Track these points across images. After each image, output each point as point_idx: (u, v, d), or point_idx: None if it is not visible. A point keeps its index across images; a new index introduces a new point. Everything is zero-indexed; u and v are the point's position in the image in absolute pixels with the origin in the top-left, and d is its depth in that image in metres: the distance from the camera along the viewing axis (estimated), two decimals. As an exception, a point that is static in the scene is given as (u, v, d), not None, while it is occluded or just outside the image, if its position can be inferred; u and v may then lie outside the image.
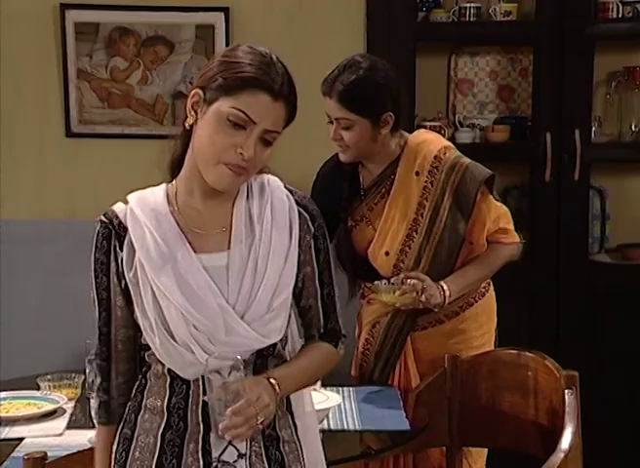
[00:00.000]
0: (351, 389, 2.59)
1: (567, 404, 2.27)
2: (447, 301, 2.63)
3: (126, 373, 1.77)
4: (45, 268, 3.56)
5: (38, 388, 2.52)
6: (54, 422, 2.35)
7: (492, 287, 2.80)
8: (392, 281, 2.60)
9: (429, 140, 2.70)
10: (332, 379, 2.65)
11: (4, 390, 2.52)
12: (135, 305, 1.72)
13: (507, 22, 3.52)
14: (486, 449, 2.78)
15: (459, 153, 2.67)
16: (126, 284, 1.72)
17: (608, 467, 3.42)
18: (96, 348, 1.77)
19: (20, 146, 3.54)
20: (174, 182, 1.77)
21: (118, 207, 1.76)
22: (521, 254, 3.51)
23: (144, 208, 1.73)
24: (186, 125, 1.70)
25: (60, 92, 3.51)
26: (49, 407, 2.41)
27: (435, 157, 2.65)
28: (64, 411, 2.42)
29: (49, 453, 1.89)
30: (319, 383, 2.52)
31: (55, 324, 3.55)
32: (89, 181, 3.56)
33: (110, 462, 1.75)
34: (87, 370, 2.47)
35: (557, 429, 2.26)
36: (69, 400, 2.48)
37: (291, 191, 1.81)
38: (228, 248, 1.72)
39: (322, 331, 1.84)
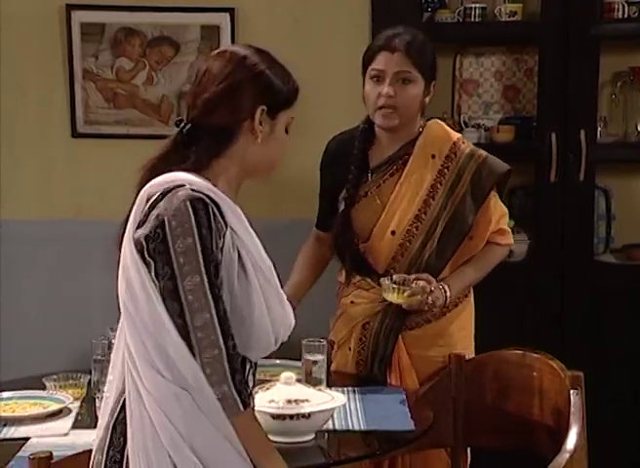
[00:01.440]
0: (356, 389, 2.59)
1: (572, 404, 2.28)
2: (447, 302, 2.64)
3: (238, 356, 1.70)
4: (50, 268, 3.56)
5: (44, 388, 2.52)
6: (59, 422, 2.35)
7: (472, 289, 2.79)
8: (395, 279, 2.60)
9: (448, 129, 2.75)
10: (337, 380, 2.66)
11: (10, 390, 2.52)
12: (227, 290, 1.66)
13: (512, 23, 3.52)
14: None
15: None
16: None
17: (613, 468, 3.42)
18: (211, 342, 1.63)
19: (25, 146, 3.54)
20: (204, 177, 1.73)
21: (199, 185, 1.68)
22: (526, 254, 3.53)
23: (217, 192, 1.70)
24: (259, 140, 1.75)
25: (66, 92, 3.51)
26: (54, 406, 2.41)
27: (454, 143, 2.68)
28: (70, 411, 2.42)
29: (54, 453, 1.90)
30: (324, 383, 2.53)
31: (60, 324, 3.55)
32: (94, 182, 3.57)
33: None
34: (92, 370, 2.47)
35: (562, 429, 2.26)
36: (75, 399, 2.48)
37: None
38: None
39: None
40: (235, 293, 1.67)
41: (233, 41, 3.46)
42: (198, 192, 1.65)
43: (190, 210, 1.63)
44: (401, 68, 2.60)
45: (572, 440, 2.17)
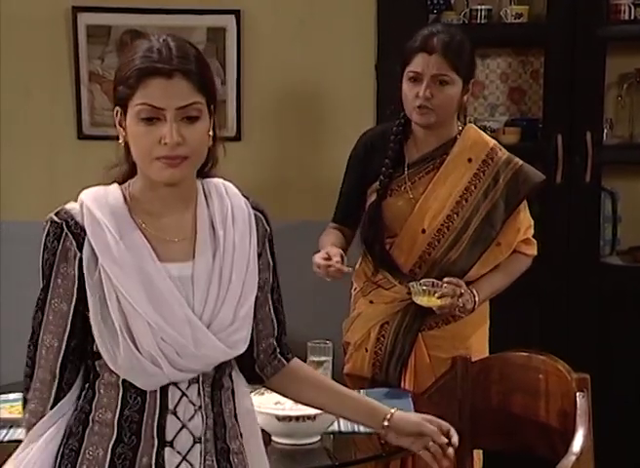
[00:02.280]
0: (362, 391, 2.58)
1: (578, 406, 2.27)
2: (476, 306, 2.64)
3: (42, 382, 1.69)
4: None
5: (50, 390, 2.52)
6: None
7: None
8: (423, 282, 2.60)
9: (484, 135, 2.77)
10: (349, 383, 2.66)
11: (16, 392, 2.52)
12: (92, 312, 1.64)
13: (518, 25, 3.52)
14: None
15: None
16: (80, 287, 1.65)
17: (619, 470, 3.41)
18: (27, 345, 1.73)
19: (30, 148, 3.55)
20: (127, 185, 1.72)
21: (71, 207, 1.69)
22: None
23: (102, 208, 1.67)
24: (121, 143, 1.69)
25: (72, 94, 3.52)
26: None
27: (492, 149, 2.69)
28: (76, 413, 2.42)
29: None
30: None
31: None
32: (100, 183, 3.57)
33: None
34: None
35: (568, 432, 2.25)
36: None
37: (247, 197, 1.79)
38: (193, 257, 1.69)
39: (276, 341, 1.84)
40: (103, 317, 1.64)
41: (239, 43, 3.47)
42: (61, 215, 1.69)
43: (45, 231, 1.69)
44: (438, 71, 2.59)
45: (578, 442, 2.16)
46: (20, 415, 2.37)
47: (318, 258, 2.59)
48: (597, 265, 3.54)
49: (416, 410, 2.46)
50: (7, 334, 3.54)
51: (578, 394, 2.30)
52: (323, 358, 2.53)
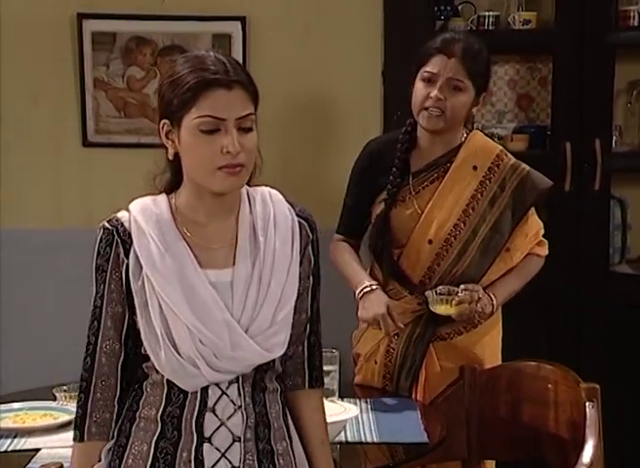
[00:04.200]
0: (369, 401, 2.57)
1: (588, 416, 2.25)
2: (494, 310, 2.63)
3: (104, 389, 1.75)
4: (61, 277, 3.56)
5: (54, 399, 2.51)
6: (70, 433, 2.30)
7: None
8: (439, 290, 2.57)
9: (490, 141, 2.74)
10: (349, 391, 2.64)
11: (20, 401, 2.51)
12: (138, 316, 1.71)
13: (526, 31, 3.50)
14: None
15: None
16: (129, 292, 1.72)
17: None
18: (83, 358, 1.76)
19: (36, 156, 3.54)
20: (173, 195, 1.78)
21: (122, 215, 1.76)
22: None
23: (148, 219, 1.73)
24: (170, 156, 1.73)
25: (77, 101, 3.51)
26: (65, 417, 2.39)
27: (497, 156, 2.67)
28: (80, 422, 2.40)
29: (65, 464, 1.90)
30: (336, 394, 2.50)
31: (70, 334, 3.53)
32: (105, 191, 3.56)
33: None
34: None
35: (578, 442, 2.23)
36: (85, 410, 2.46)
37: (291, 204, 1.82)
38: (233, 263, 1.74)
39: (308, 354, 1.86)
40: (147, 322, 1.70)
41: (245, 50, 3.46)
42: (112, 223, 1.75)
43: (97, 237, 1.75)
44: (454, 75, 2.57)
45: (588, 453, 2.14)
46: (23, 425, 2.37)
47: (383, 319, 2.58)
48: (606, 274, 3.51)
49: (423, 420, 2.44)
50: (7, 342, 3.53)
51: (587, 404, 2.29)
52: (330, 367, 2.51)
